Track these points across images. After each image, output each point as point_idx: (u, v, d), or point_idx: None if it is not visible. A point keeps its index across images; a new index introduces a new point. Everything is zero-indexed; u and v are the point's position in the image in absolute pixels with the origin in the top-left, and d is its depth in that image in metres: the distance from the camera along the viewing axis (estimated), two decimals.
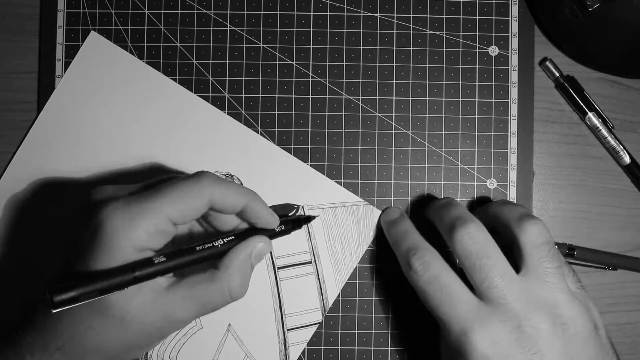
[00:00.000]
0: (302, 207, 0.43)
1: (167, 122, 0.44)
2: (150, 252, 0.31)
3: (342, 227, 0.43)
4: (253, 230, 0.36)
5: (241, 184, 0.43)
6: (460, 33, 0.45)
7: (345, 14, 0.45)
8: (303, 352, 0.43)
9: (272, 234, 0.36)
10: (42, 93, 0.44)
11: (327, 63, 0.45)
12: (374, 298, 0.44)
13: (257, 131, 0.44)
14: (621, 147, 0.44)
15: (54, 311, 0.27)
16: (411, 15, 0.45)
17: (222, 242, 0.33)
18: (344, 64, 0.45)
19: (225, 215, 0.35)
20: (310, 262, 0.43)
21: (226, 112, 0.44)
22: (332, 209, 0.43)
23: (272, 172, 0.44)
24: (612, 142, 0.44)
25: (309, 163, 0.44)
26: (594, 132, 0.44)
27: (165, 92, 0.44)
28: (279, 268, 0.43)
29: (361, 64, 0.45)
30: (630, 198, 0.45)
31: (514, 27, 0.45)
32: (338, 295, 0.44)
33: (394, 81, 0.45)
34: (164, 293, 0.31)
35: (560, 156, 0.45)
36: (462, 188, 0.44)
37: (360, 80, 0.45)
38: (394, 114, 0.45)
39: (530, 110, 0.45)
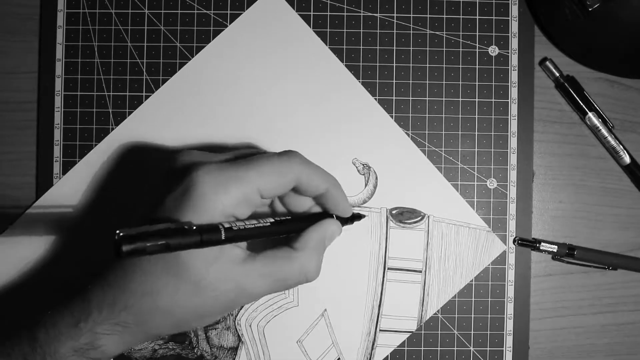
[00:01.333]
0: (429, 216, 0.43)
1: (319, 95, 0.44)
2: (233, 220, 0.31)
3: (460, 246, 0.44)
4: (322, 215, 0.36)
5: (376, 178, 0.43)
6: (460, 33, 0.45)
7: (345, 14, 0.45)
8: (386, 358, 0.43)
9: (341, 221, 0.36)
10: (42, 93, 0.44)
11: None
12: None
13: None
14: (621, 147, 0.44)
15: (119, 259, 0.27)
16: (411, 15, 0.45)
17: (293, 222, 0.33)
18: (344, 64, 0.45)
19: (301, 197, 0.35)
20: (420, 271, 0.43)
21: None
22: (456, 226, 0.44)
23: (408, 175, 0.44)
24: (612, 142, 0.44)
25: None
26: (594, 132, 0.44)
27: (327, 67, 0.44)
28: (389, 268, 0.43)
29: (361, 64, 0.45)
30: (630, 198, 0.45)
31: (514, 27, 0.45)
32: (437, 312, 0.44)
33: (394, 81, 0.45)
34: (241, 265, 0.31)
35: (560, 156, 0.45)
36: (462, 188, 0.44)
37: (360, 81, 0.45)
38: (394, 114, 0.44)
39: (530, 110, 0.45)
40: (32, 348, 0.30)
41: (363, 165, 0.43)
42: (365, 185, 0.43)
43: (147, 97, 0.45)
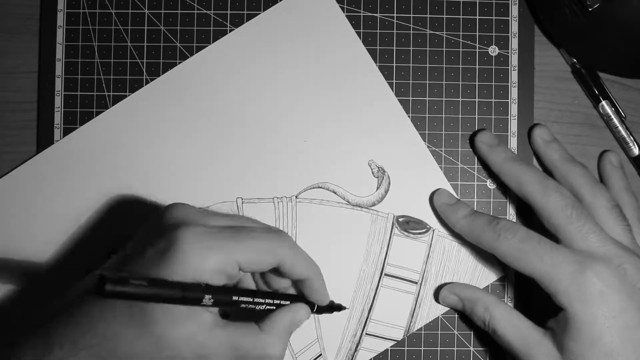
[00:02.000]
0: (434, 230, 0.43)
1: (343, 90, 0.44)
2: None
3: (460, 264, 0.44)
4: (298, 297, 0.36)
5: (389, 183, 0.43)
6: (460, 33, 0.45)
7: (345, 13, 0.45)
8: None
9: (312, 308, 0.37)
10: (42, 93, 0.44)
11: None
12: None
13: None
14: (631, 138, 0.44)
15: (98, 298, 0.27)
16: (411, 15, 0.45)
17: (270, 303, 0.34)
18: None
19: (279, 278, 0.36)
20: (416, 283, 0.43)
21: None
22: (459, 245, 0.44)
23: (421, 186, 0.44)
24: (623, 132, 0.44)
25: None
26: (605, 121, 0.44)
27: (359, 65, 0.44)
28: (386, 274, 0.43)
29: None
30: None
31: (514, 27, 0.45)
32: (420, 329, 0.44)
33: (394, 81, 0.45)
34: (208, 330, 0.31)
35: None
36: (462, 188, 0.44)
37: None
38: None
39: (530, 110, 0.45)
40: None
41: (379, 168, 0.43)
42: (377, 188, 0.43)
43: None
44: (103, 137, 0.44)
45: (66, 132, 0.44)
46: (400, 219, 0.44)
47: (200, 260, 0.30)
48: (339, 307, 0.40)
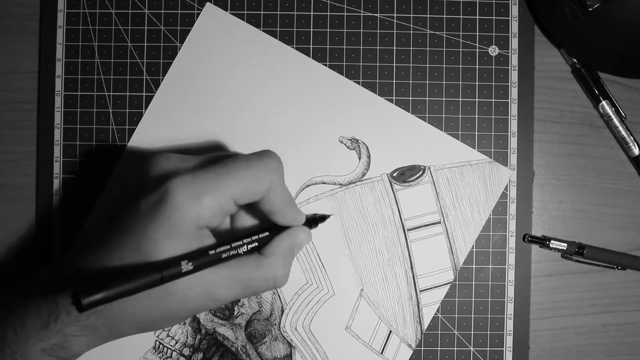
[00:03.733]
0: (429, 167, 0.44)
1: (288, 89, 0.44)
2: (207, 231, 0.32)
3: (469, 185, 0.44)
4: (275, 226, 0.35)
5: (367, 149, 0.43)
6: (460, 33, 0.45)
7: (345, 14, 0.45)
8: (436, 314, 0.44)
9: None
10: (42, 93, 0.44)
11: (327, 63, 0.45)
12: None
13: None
14: (631, 138, 0.44)
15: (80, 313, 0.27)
16: (411, 15, 0.45)
17: (246, 248, 0.33)
18: (344, 64, 0.45)
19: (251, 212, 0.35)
20: (439, 222, 0.44)
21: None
22: (459, 168, 0.44)
23: (396, 135, 0.44)
24: (623, 132, 0.44)
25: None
26: (605, 121, 0.44)
27: (284, 59, 0.44)
28: (408, 230, 0.44)
29: (361, 64, 0.45)
30: (630, 198, 0.45)
31: (514, 27, 0.45)
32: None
33: (394, 81, 0.45)
34: (210, 271, 0.31)
35: (560, 156, 0.45)
36: None
37: (361, 80, 0.45)
38: None
39: (530, 110, 0.45)
40: (1, 348, 0.30)
41: (350, 140, 0.43)
42: (359, 158, 0.44)
43: (147, 97, 0.45)
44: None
45: (66, 132, 0.44)
46: (394, 174, 0.44)
47: (195, 207, 0.30)
48: (323, 218, 0.39)
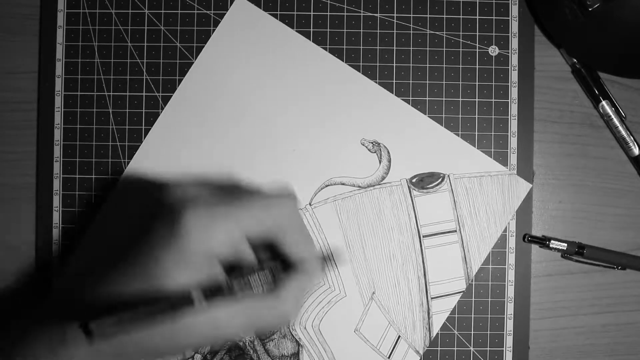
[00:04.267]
0: (449, 175, 0.44)
1: (313, 88, 0.44)
2: (216, 261, 0.31)
3: (487, 196, 0.44)
4: (290, 265, 0.35)
5: (388, 152, 0.43)
6: (460, 33, 0.45)
7: (345, 14, 0.45)
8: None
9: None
10: (42, 93, 0.44)
11: None
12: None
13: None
14: (631, 138, 0.44)
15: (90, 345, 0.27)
16: (411, 15, 0.45)
17: (258, 281, 0.33)
18: (344, 63, 0.45)
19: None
20: (455, 231, 0.44)
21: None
22: (478, 178, 0.44)
23: (418, 140, 0.44)
24: (623, 132, 0.44)
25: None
26: (605, 121, 0.44)
27: (312, 57, 0.44)
28: (424, 236, 0.44)
29: (361, 64, 0.45)
30: (630, 198, 0.45)
31: (514, 27, 0.45)
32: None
33: (394, 81, 0.45)
34: (221, 305, 0.31)
35: (560, 156, 0.45)
36: None
37: None
38: None
39: (530, 110, 0.45)
40: None
41: (372, 143, 0.43)
42: (380, 162, 0.44)
43: (147, 97, 0.45)
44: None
45: (66, 132, 0.44)
46: (414, 180, 0.44)
47: (207, 239, 0.30)
48: (332, 256, 0.39)
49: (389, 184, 0.44)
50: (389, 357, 0.43)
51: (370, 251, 0.43)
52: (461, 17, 0.45)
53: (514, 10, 0.45)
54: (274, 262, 0.35)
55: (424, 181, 0.42)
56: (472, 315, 0.44)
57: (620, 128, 0.44)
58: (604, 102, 0.44)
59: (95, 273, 0.31)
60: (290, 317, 0.33)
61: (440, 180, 0.44)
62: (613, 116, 0.44)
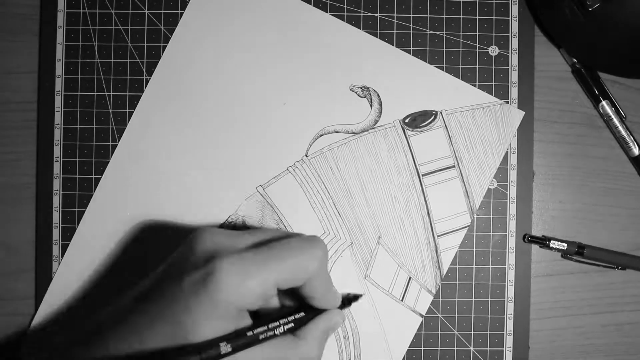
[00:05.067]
0: (441, 112, 0.44)
1: (298, 40, 0.44)
2: (246, 312, 0.31)
3: (481, 128, 0.44)
4: (312, 309, 0.35)
5: (378, 96, 0.43)
6: (460, 33, 0.45)
7: (345, 14, 0.45)
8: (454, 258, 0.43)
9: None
10: (42, 93, 0.44)
11: None
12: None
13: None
14: (632, 138, 0.44)
15: None
16: (411, 15, 0.45)
17: (283, 329, 0.33)
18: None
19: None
20: (453, 166, 0.44)
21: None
22: (470, 111, 0.44)
23: (407, 81, 0.44)
24: (623, 132, 0.44)
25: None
26: (605, 121, 0.44)
27: (295, 11, 0.44)
28: (423, 175, 0.44)
29: None
30: (630, 198, 0.45)
31: (514, 27, 0.45)
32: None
33: None
34: (247, 352, 0.31)
35: (560, 156, 0.45)
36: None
37: None
38: None
39: (530, 110, 0.45)
40: None
41: (361, 88, 0.43)
42: (371, 106, 0.44)
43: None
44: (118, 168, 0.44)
45: (66, 132, 0.44)
46: (407, 120, 0.44)
47: (240, 290, 0.30)
48: (355, 297, 0.39)
49: (382, 127, 0.44)
50: (402, 300, 0.43)
51: (371, 196, 0.44)
52: (461, 17, 0.45)
53: (514, 10, 0.45)
54: (296, 307, 0.35)
55: (417, 120, 0.43)
56: (472, 315, 0.44)
57: (620, 128, 0.44)
58: (604, 102, 0.44)
59: (119, 324, 0.31)
60: (310, 356, 0.33)
61: (433, 117, 0.44)
62: (613, 116, 0.44)
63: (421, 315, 0.44)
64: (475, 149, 0.44)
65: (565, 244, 0.43)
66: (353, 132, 0.44)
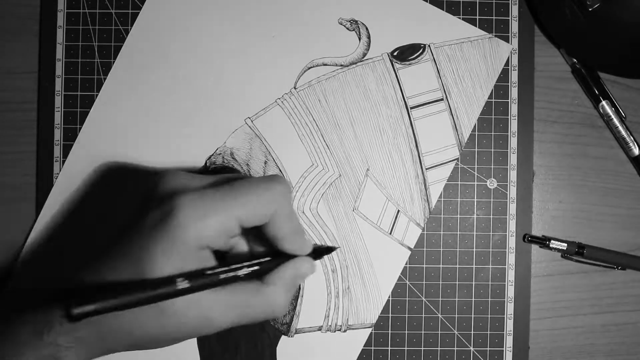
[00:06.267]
0: (429, 45, 0.44)
1: None
2: (208, 252, 0.31)
3: (469, 62, 0.44)
4: (279, 253, 0.34)
5: (367, 29, 0.44)
6: None
7: None
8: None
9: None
10: (42, 93, 0.44)
11: None
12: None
13: None
14: (631, 138, 0.44)
15: (70, 322, 0.27)
16: None
17: (246, 271, 0.32)
18: None
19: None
20: (442, 99, 0.44)
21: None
22: (459, 44, 0.44)
23: (395, 14, 0.44)
24: (623, 132, 0.44)
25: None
26: (605, 121, 0.44)
27: None
28: (411, 108, 0.44)
29: None
30: (630, 198, 0.45)
31: (514, 27, 0.45)
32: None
33: None
34: (208, 295, 0.31)
35: (560, 156, 0.45)
36: (462, 188, 0.44)
37: None
38: None
39: (530, 110, 0.45)
40: None
41: (349, 21, 0.43)
42: (359, 39, 0.44)
43: None
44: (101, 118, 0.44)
45: (66, 132, 0.44)
46: (395, 53, 0.44)
47: (199, 226, 0.30)
48: (329, 249, 0.37)
49: (370, 59, 0.44)
50: (390, 233, 0.43)
51: (359, 128, 0.44)
52: (461, 17, 0.45)
53: (514, 10, 0.45)
54: (264, 253, 0.34)
55: (405, 53, 0.43)
56: (472, 315, 0.44)
57: (620, 128, 0.44)
58: (604, 102, 0.44)
59: (77, 257, 0.31)
60: (279, 307, 0.33)
61: (421, 51, 0.44)
62: (613, 116, 0.44)
63: (409, 249, 0.43)
64: (464, 83, 0.44)
65: (565, 244, 0.43)
66: (342, 65, 0.44)
